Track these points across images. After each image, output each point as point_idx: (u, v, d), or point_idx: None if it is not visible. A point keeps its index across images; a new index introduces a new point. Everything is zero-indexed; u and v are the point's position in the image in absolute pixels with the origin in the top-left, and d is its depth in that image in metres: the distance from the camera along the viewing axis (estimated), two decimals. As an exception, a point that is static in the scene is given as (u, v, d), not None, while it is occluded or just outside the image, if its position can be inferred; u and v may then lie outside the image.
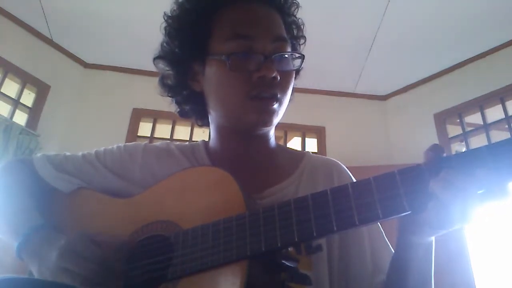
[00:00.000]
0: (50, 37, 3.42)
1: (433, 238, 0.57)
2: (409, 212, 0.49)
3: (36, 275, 0.63)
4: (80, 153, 0.83)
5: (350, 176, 0.81)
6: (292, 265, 0.60)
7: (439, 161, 0.50)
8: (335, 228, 0.51)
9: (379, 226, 0.76)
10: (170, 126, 3.64)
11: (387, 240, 0.76)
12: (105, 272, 0.60)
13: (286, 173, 0.77)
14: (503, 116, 3.15)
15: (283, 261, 0.58)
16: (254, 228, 0.56)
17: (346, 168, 0.82)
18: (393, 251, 0.74)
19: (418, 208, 0.49)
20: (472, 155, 0.49)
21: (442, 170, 0.49)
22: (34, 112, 3.29)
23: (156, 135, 3.61)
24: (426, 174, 0.50)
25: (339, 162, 0.83)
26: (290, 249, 0.66)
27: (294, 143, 4.11)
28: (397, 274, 0.62)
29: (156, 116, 3.59)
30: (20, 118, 3.24)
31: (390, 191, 0.50)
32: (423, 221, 0.52)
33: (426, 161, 0.51)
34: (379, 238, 0.75)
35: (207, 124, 0.84)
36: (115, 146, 0.84)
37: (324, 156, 0.87)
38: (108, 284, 0.60)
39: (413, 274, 0.59)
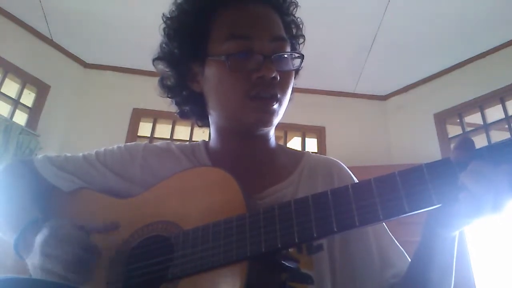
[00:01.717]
0: (50, 37, 3.42)
1: (457, 232, 0.57)
2: (438, 205, 0.48)
3: (30, 269, 0.63)
4: (80, 154, 0.83)
5: (351, 174, 0.80)
6: (292, 266, 0.60)
7: (469, 153, 0.49)
8: (335, 229, 0.51)
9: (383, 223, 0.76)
10: (170, 126, 3.64)
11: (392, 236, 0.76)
12: (89, 258, 0.61)
13: (285, 173, 0.77)
14: (503, 116, 3.16)
15: (283, 262, 0.58)
16: (254, 229, 0.56)
17: (346, 167, 0.82)
18: (400, 245, 0.74)
19: (448, 201, 0.48)
20: (503, 145, 0.48)
21: (472, 162, 0.48)
22: (34, 112, 3.30)
23: (156, 135, 3.62)
24: (455, 168, 0.49)
25: (339, 161, 0.83)
26: (290, 249, 0.66)
27: (294, 143, 4.11)
28: (421, 266, 0.61)
29: (156, 116, 3.59)
30: (20, 118, 3.25)
31: (418, 186, 0.49)
32: (455, 213, 0.51)
33: (455, 154, 0.50)
34: (384, 234, 0.75)
35: (207, 125, 0.84)
36: (115, 146, 0.84)
37: (323, 156, 0.86)
38: (93, 270, 0.61)
39: (437, 266, 0.59)
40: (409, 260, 0.68)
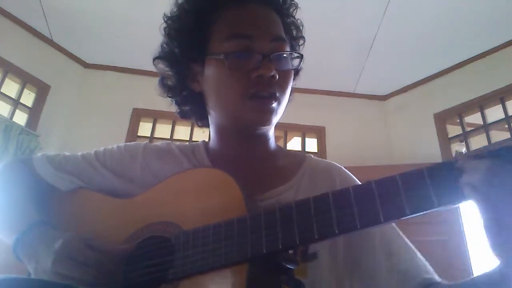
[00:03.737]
0: (50, 37, 3.42)
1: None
2: (438, 208, 0.48)
3: (33, 274, 0.63)
4: (79, 153, 0.83)
5: (353, 179, 0.79)
6: (292, 267, 0.60)
7: (470, 157, 0.49)
8: (336, 231, 0.51)
9: (393, 225, 0.73)
10: (170, 126, 3.65)
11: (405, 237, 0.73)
12: (102, 275, 0.60)
13: (286, 176, 0.77)
14: (503, 116, 3.16)
15: (284, 263, 0.58)
16: (255, 230, 0.56)
17: (348, 172, 0.80)
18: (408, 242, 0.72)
19: (449, 204, 0.48)
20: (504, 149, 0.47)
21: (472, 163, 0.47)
22: (34, 112, 3.30)
23: (156, 135, 3.62)
24: (457, 171, 0.48)
25: (341, 166, 0.82)
26: (290, 251, 0.66)
27: (294, 143, 4.11)
28: None
29: (156, 116, 3.59)
30: (20, 118, 3.25)
31: (419, 189, 0.49)
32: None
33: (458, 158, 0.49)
34: (393, 234, 0.72)
35: (207, 125, 0.84)
36: (115, 146, 0.83)
37: (325, 160, 0.85)
38: (106, 287, 0.60)
39: None
40: (422, 261, 0.67)
